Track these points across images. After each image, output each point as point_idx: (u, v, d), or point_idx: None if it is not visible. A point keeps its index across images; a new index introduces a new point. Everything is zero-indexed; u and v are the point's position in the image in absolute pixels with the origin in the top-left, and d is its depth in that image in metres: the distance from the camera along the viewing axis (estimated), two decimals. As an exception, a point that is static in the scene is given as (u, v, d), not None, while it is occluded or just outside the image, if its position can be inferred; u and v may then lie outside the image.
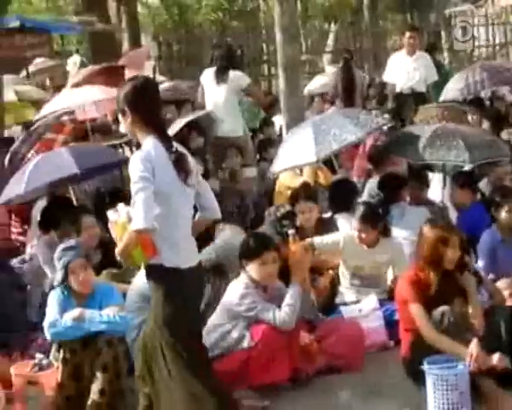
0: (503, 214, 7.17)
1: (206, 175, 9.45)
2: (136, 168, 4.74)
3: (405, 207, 7.92)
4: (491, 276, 6.74)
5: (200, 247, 7.04)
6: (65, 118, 10.34)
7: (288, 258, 6.09)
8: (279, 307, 5.83)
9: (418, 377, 5.40)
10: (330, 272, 7.12)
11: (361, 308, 6.69)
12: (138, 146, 5.02)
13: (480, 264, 6.98)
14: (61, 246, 5.98)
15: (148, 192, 4.67)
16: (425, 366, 5.24)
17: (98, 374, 5.48)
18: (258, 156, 10.76)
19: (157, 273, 4.92)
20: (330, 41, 24.74)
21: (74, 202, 8.16)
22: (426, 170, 8.56)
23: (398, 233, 7.34)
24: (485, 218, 7.56)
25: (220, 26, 24.70)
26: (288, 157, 8.32)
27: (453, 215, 8.07)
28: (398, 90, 11.92)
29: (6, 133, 11.54)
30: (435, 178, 8.74)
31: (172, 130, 9.20)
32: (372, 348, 6.40)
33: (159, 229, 4.70)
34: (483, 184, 8.61)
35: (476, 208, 7.91)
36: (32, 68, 14.48)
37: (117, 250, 4.80)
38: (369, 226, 6.90)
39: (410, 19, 28.49)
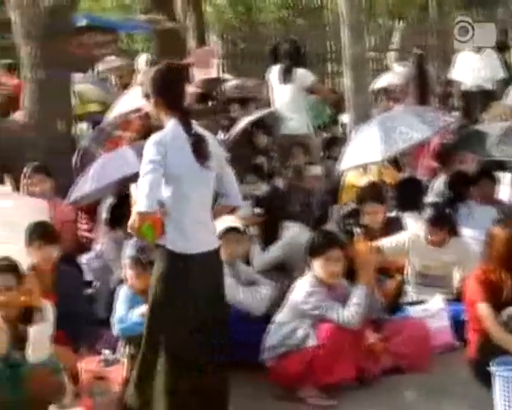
0: None
1: (271, 173, 9.50)
2: (148, 151, 4.84)
3: (473, 206, 7.85)
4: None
5: (267, 245, 7.13)
6: (132, 115, 10.42)
7: (353, 258, 6.06)
8: (344, 306, 5.80)
9: (485, 379, 5.31)
10: (398, 276, 7.03)
11: (427, 308, 6.63)
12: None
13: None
14: (129, 243, 6.04)
15: (154, 175, 4.76)
16: (493, 368, 5.16)
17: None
18: (323, 154, 10.74)
19: (161, 254, 4.91)
20: (396, 38, 24.54)
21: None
22: (497, 169, 8.44)
23: (466, 232, 7.26)
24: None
25: (285, 23, 24.70)
26: (354, 155, 8.30)
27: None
28: (465, 87, 11.79)
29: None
30: (507, 178, 8.62)
31: (237, 128, 9.22)
32: (438, 348, 6.34)
33: (168, 211, 4.79)
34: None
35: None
36: (100, 67, 14.60)
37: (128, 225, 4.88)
38: (438, 228, 6.86)
39: (477, 15, 28.10)
